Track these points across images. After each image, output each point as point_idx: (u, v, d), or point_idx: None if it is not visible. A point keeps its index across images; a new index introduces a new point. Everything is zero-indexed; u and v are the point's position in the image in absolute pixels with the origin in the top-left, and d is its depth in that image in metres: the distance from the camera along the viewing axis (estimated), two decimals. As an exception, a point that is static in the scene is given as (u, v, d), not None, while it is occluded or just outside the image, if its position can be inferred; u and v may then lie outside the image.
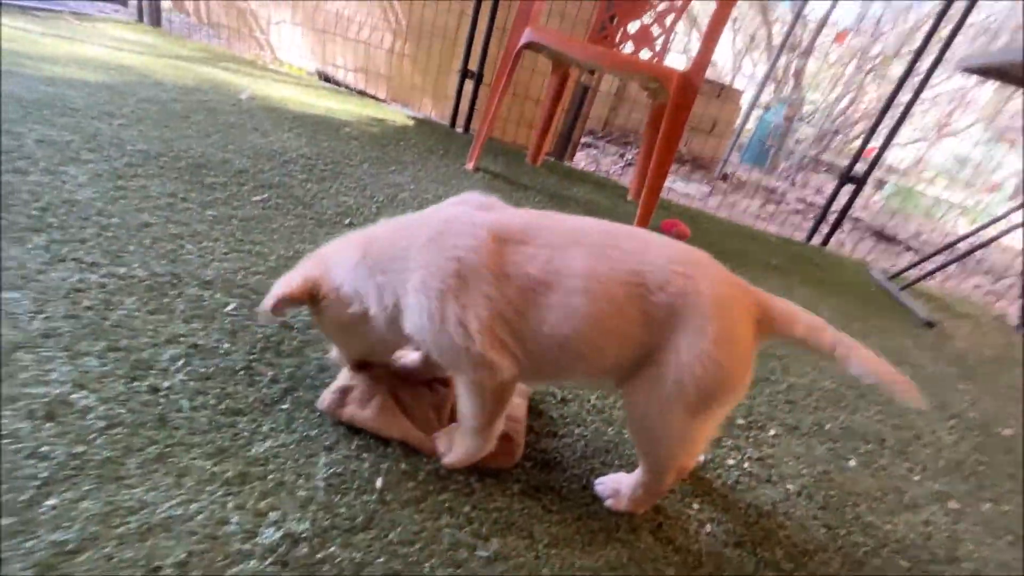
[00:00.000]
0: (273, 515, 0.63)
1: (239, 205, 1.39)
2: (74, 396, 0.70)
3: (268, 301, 0.71)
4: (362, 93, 3.62)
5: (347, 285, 0.72)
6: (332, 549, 0.61)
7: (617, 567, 0.70)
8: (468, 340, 0.62)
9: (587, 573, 0.68)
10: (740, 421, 1.12)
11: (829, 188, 3.32)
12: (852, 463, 1.09)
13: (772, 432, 1.11)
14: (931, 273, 2.74)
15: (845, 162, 3.18)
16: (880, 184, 6.60)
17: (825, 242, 3.22)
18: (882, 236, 4.38)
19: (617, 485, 0.79)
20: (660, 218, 2.55)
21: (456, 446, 0.75)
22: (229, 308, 0.97)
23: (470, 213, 0.69)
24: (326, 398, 0.79)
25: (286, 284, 0.72)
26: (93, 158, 1.39)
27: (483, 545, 0.67)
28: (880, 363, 0.64)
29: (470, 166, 2.55)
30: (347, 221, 1.50)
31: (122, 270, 0.98)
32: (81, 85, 1.96)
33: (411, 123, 3.17)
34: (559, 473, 0.82)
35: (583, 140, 4.31)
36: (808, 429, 1.17)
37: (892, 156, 6.40)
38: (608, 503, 0.78)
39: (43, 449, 0.62)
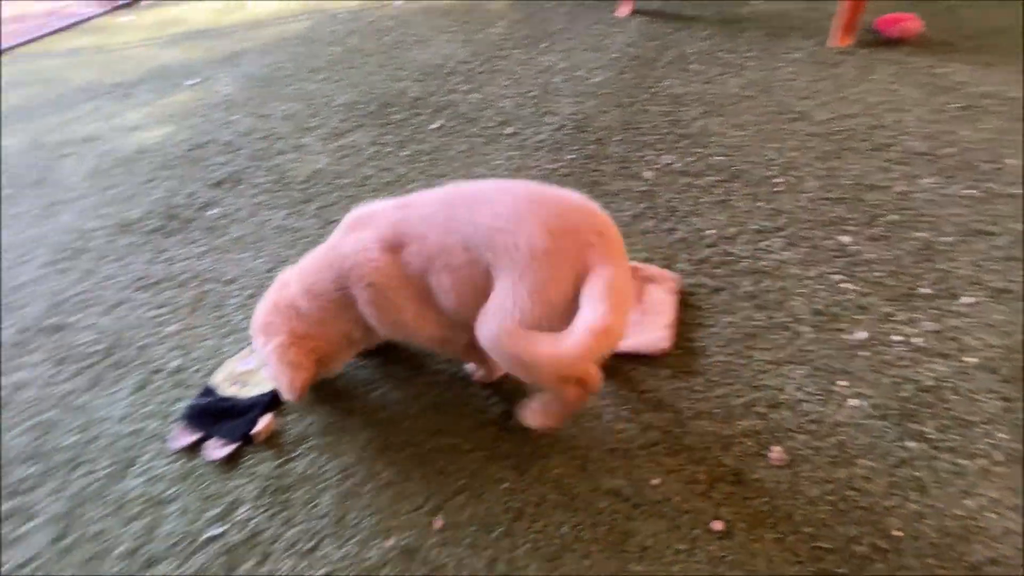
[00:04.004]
0: (493, 398, 0.96)
1: (422, 138, 1.66)
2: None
3: (294, 392, 0.87)
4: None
5: (330, 331, 0.89)
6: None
7: (751, 434, 0.87)
8: (414, 333, 0.86)
9: (723, 440, 0.87)
10: (925, 290, 1.06)
11: None
12: (1077, 327, 0.97)
13: (965, 300, 1.03)
14: None
15: None
16: None
17: None
18: None
19: (532, 405, 0.86)
20: (881, 10, 2.00)
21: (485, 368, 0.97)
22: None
23: (362, 241, 0.83)
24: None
25: (294, 370, 0.86)
26: (316, 123, 1.78)
27: (638, 418, 0.91)
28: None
29: (624, 11, 2.33)
30: (508, 131, 1.65)
31: (364, 223, 1.37)
32: (285, 45, 2.36)
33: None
34: (703, 359, 0.99)
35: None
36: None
37: None
38: (525, 421, 0.86)
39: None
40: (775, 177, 1.38)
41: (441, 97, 1.86)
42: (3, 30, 2.85)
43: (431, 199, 0.83)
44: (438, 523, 0.80)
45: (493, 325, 0.74)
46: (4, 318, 1.22)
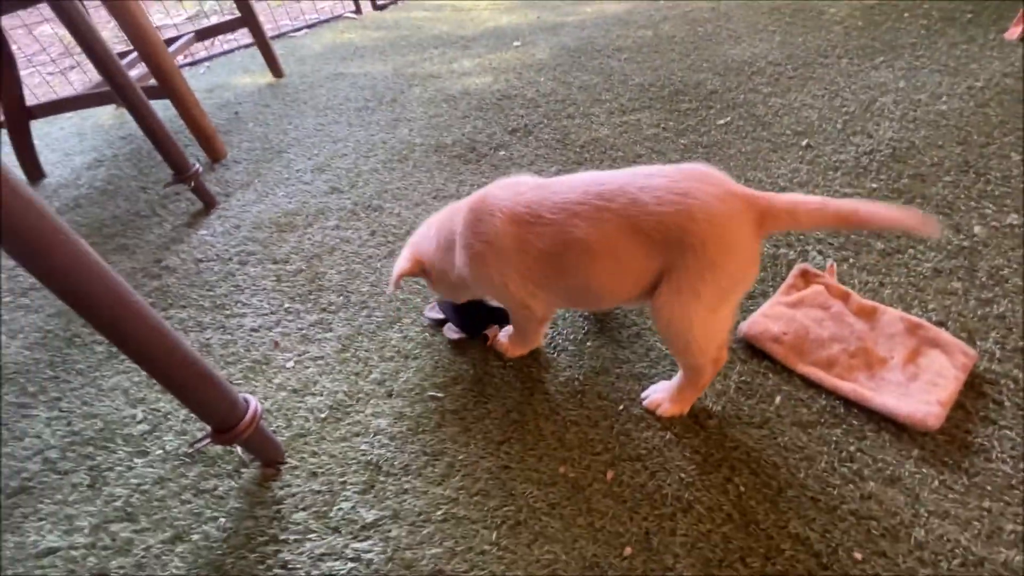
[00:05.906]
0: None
1: (705, 131, 1.63)
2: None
3: (392, 279, 0.98)
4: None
5: (436, 262, 0.96)
6: (733, 432, 0.88)
7: (1017, 572, 0.68)
8: (504, 295, 0.89)
9: (971, 558, 0.70)
10: None
11: None
12: None
13: None
14: None
15: None
16: None
17: None
18: None
19: (658, 395, 0.92)
20: None
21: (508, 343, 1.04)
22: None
23: (493, 198, 0.86)
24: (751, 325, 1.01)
25: (401, 263, 0.98)
26: (608, 96, 1.89)
27: (859, 483, 0.79)
28: (890, 208, 0.70)
29: (1015, 33, 1.85)
30: (804, 142, 1.50)
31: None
32: (601, 22, 2.53)
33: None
34: (978, 458, 0.79)
35: None
36: None
37: None
38: (658, 411, 0.91)
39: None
40: None
41: (738, 95, 1.78)
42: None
43: (573, 187, 0.81)
44: (610, 475, 0.84)
45: (677, 307, 0.76)
46: (357, 195, 1.65)
